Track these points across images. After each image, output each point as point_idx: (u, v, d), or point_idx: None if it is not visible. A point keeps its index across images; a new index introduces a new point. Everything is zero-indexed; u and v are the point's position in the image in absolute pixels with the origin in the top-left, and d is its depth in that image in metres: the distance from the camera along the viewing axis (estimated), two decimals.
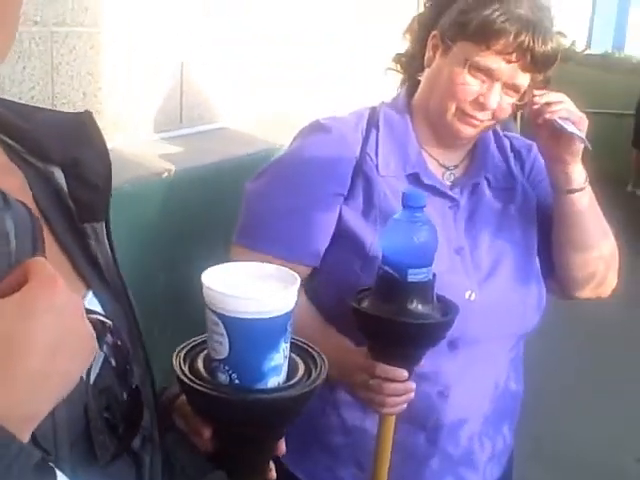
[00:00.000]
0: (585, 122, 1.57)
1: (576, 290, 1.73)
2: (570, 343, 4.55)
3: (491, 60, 1.53)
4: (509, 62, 1.52)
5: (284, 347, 0.94)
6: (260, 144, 2.68)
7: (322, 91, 3.61)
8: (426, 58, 1.64)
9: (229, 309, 0.91)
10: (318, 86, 3.61)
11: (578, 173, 1.61)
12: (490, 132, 1.71)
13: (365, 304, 1.43)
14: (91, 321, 0.75)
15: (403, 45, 1.76)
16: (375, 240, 1.56)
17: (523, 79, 1.55)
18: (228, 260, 1.58)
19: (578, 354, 4.49)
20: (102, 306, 0.91)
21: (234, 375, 0.94)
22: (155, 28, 2.57)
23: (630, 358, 4.70)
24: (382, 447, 1.50)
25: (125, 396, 0.89)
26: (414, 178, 1.62)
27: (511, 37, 1.50)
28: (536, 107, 1.56)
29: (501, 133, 1.76)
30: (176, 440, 1.05)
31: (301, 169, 1.62)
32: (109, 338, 0.86)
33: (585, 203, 1.64)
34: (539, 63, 1.54)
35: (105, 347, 0.85)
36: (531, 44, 1.51)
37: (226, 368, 0.94)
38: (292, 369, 0.97)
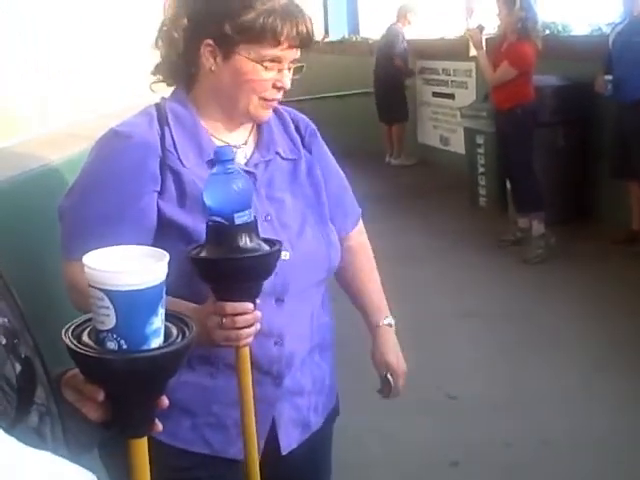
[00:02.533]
0: None
1: None
2: None
3: (279, 52, 1.71)
4: (292, 48, 1.72)
5: (161, 312, 1.07)
6: (44, 159, 2.69)
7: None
8: (203, 64, 1.75)
9: (113, 284, 1.02)
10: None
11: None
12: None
13: (203, 254, 1.56)
14: None
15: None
16: (195, 224, 1.68)
17: (298, 53, 1.76)
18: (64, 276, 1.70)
19: None
20: None
21: (122, 342, 1.05)
22: None
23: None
24: (243, 378, 1.64)
25: (18, 367, 0.99)
26: (211, 164, 1.70)
27: (293, 31, 1.69)
28: None
29: (278, 107, 1.93)
30: (67, 413, 1.12)
31: (113, 175, 1.71)
32: None
33: None
34: (310, 40, 1.76)
35: None
36: (304, 29, 1.72)
37: (114, 336, 1.04)
38: (167, 334, 1.10)
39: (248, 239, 1.55)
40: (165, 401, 1.17)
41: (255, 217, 1.57)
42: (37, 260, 2.27)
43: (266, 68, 1.72)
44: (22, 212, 2.29)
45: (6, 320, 0.99)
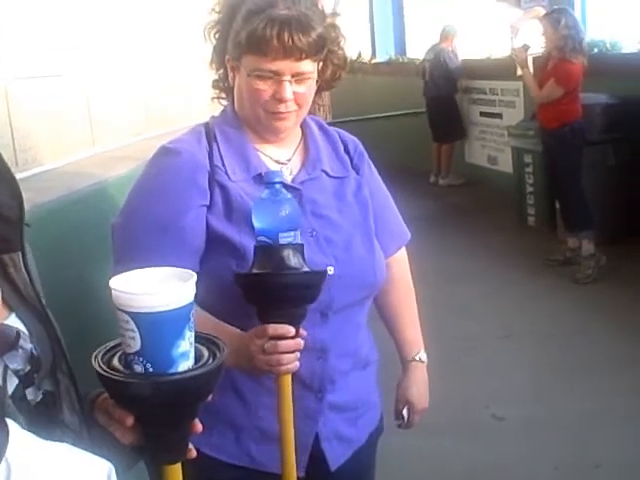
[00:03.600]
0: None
1: None
2: None
3: (269, 64, 1.71)
4: (283, 59, 1.70)
5: (189, 335, 1.07)
6: (94, 179, 2.76)
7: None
8: (230, 79, 1.85)
9: (136, 306, 1.03)
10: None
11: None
12: (316, 128, 1.94)
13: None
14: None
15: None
16: (242, 238, 1.71)
17: (304, 66, 1.74)
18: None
19: None
20: (25, 325, 1.00)
21: (148, 365, 1.06)
22: None
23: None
24: (284, 405, 1.66)
25: (40, 396, 1.03)
26: (259, 178, 1.78)
27: (275, 40, 1.68)
28: None
29: (327, 127, 1.99)
30: (100, 435, 1.15)
31: (163, 189, 1.76)
32: (25, 344, 0.97)
33: None
34: (309, 51, 1.71)
35: (21, 352, 0.97)
36: (292, 40, 1.68)
37: (140, 359, 1.06)
38: (198, 356, 1.11)
39: (292, 258, 1.58)
40: (198, 426, 1.17)
41: (302, 242, 1.61)
42: (84, 279, 2.30)
43: (262, 80, 1.74)
44: (71, 231, 2.34)
45: (33, 347, 1.01)
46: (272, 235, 1.58)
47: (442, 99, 9.73)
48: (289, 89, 1.74)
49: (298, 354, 1.63)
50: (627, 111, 6.72)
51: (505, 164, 8.77)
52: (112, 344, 1.15)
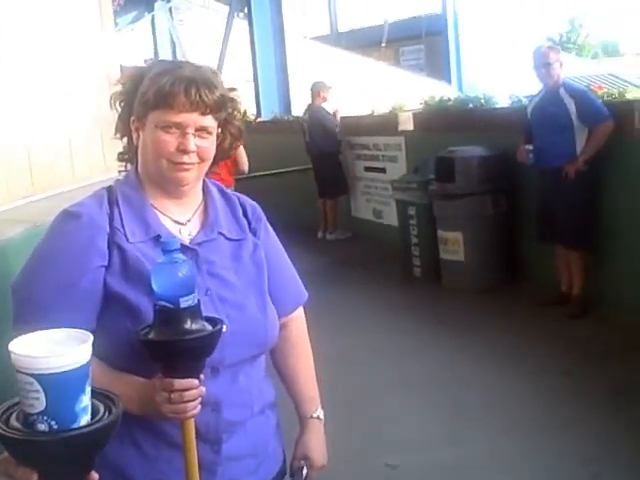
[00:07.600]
0: None
1: None
2: None
3: (174, 116, 1.82)
4: (188, 113, 1.82)
5: (88, 390, 1.13)
6: None
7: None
8: (134, 139, 1.92)
9: (43, 367, 1.07)
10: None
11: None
12: (217, 192, 2.03)
13: (151, 336, 1.67)
14: None
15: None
16: (137, 298, 1.77)
17: (207, 121, 1.85)
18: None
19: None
20: None
21: (52, 422, 1.10)
22: None
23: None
24: (189, 447, 1.77)
25: None
26: (157, 239, 1.85)
27: (182, 95, 1.80)
28: None
29: (228, 192, 2.08)
30: None
31: (62, 252, 1.82)
32: None
33: None
34: (212, 107, 1.84)
35: None
36: (199, 95, 1.81)
37: (44, 418, 1.09)
38: (95, 410, 1.16)
39: (193, 321, 1.66)
40: (95, 476, 1.21)
41: (199, 300, 1.69)
42: None
43: (168, 132, 1.84)
44: None
45: None
46: (173, 300, 1.64)
47: (325, 156, 9.89)
48: (193, 141, 1.85)
49: (200, 399, 1.72)
50: (502, 162, 7.06)
51: (390, 217, 8.98)
52: (5, 406, 1.17)
